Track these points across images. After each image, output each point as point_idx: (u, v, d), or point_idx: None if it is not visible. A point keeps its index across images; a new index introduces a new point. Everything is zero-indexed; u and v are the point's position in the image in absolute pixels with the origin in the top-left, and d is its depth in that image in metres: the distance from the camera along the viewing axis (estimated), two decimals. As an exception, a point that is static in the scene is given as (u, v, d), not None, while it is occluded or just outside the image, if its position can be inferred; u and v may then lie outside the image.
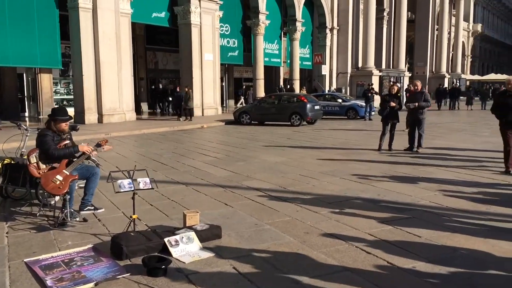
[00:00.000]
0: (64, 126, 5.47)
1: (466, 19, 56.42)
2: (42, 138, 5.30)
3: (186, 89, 20.13)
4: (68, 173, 5.10)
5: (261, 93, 26.48)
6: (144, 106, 26.95)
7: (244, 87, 32.21)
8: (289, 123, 18.51)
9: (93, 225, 5.12)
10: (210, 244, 4.46)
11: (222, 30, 24.72)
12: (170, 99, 24.22)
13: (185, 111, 19.99)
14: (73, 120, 4.89)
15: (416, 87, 10.88)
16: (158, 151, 11.33)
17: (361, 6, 33.69)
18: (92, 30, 17.68)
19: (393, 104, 10.72)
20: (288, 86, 31.69)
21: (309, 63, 32.50)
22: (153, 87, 27.63)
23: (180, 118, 20.11)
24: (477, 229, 4.85)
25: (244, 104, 27.20)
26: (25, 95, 22.40)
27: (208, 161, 9.78)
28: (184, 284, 3.59)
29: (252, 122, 19.49)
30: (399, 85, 11.47)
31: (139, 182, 4.71)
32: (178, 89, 20.82)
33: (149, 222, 5.14)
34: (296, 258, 4.13)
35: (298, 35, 29.54)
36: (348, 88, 32.59)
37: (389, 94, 11.22)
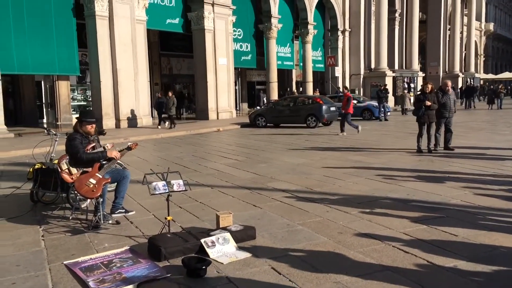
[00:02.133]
0: (90, 128, 5.49)
1: (478, 18, 55.91)
2: (72, 141, 5.35)
3: (170, 94, 18.87)
4: (101, 176, 5.15)
5: (274, 96, 26.53)
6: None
7: (256, 91, 32.31)
8: (305, 125, 18.48)
9: (126, 227, 5.15)
10: (245, 244, 4.47)
11: (235, 35, 24.84)
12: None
13: (169, 118, 18.53)
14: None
15: (447, 87, 10.60)
16: (178, 155, 11.39)
17: (373, 8, 33.58)
18: (108, 38, 17.90)
19: (428, 103, 10.20)
20: (301, 89, 31.76)
21: (322, 65, 32.47)
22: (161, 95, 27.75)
23: (159, 126, 18.70)
24: (513, 227, 4.79)
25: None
26: (44, 102, 22.71)
27: (229, 163, 9.80)
28: (226, 284, 3.59)
29: (268, 124, 19.50)
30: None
31: (173, 184, 4.74)
32: (159, 95, 19.44)
33: (181, 224, 5.16)
34: (333, 257, 4.11)
35: (310, 38, 29.55)
36: (361, 89, 32.44)
37: (423, 92, 10.66)
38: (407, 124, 18.41)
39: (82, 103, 23.00)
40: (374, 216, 5.36)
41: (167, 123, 18.73)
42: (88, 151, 5.33)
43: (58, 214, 5.77)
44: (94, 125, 5.58)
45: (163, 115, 19.32)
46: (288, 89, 31.19)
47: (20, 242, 4.76)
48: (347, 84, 32.79)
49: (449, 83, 10.78)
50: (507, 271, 3.70)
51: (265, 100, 29.56)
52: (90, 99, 20.93)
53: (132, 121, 18.72)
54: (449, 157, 9.75)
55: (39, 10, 16.73)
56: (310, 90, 29.01)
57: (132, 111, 18.80)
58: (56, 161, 5.93)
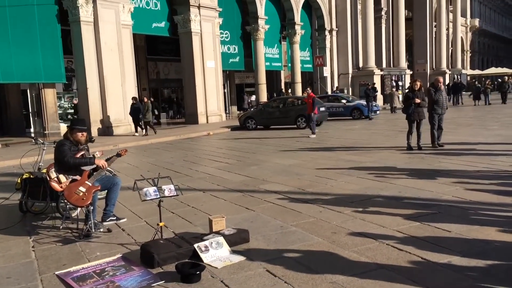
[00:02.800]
0: (81, 136, 5.44)
1: (464, 14, 56.56)
2: (60, 147, 5.30)
3: (145, 99, 18.24)
4: (91, 184, 5.08)
5: (263, 97, 26.52)
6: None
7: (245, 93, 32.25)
8: (295, 126, 18.50)
9: (118, 235, 5.09)
10: (239, 248, 4.43)
11: (222, 37, 24.81)
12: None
13: (145, 124, 17.90)
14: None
15: (439, 84, 10.56)
16: (168, 160, 11.31)
17: (359, 7, 33.77)
18: (94, 43, 17.74)
19: (418, 100, 10.24)
20: (290, 90, 31.82)
21: (310, 65, 32.55)
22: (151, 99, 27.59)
23: (136, 133, 18.00)
24: (505, 221, 4.81)
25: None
26: (30, 111, 22.42)
27: (220, 167, 9.75)
28: (221, 289, 3.55)
29: (258, 127, 19.49)
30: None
31: (164, 190, 4.69)
32: (134, 101, 17.90)
33: (173, 229, 5.10)
34: (328, 258, 4.10)
35: (297, 38, 29.61)
36: (350, 88, 32.59)
37: (412, 90, 10.66)
38: (397, 122, 18.52)
39: (70, 110, 22.77)
40: (367, 215, 5.36)
41: (145, 129, 17.91)
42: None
43: (48, 224, 5.68)
44: (85, 134, 5.52)
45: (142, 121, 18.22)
46: (283, 90, 31.19)
47: (10, 254, 4.67)
48: (336, 84, 32.97)
49: (441, 79, 10.81)
50: (502, 265, 3.71)
51: (250, 102, 29.58)
52: (75, 106, 20.68)
53: (121, 127, 18.54)
54: (439, 153, 9.80)
55: (22, 17, 16.51)
56: (299, 91, 29.06)
57: (120, 117, 18.61)
58: (44, 170, 5.85)
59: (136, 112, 17.65)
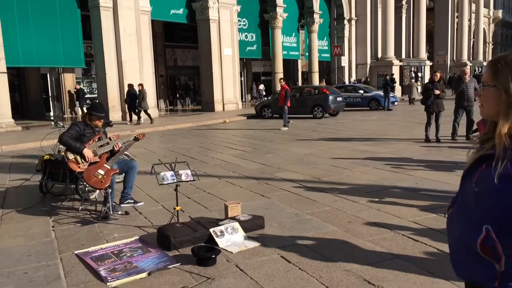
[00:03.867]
0: (98, 122, 5.54)
1: (486, 5, 55.13)
2: (71, 125, 5.49)
3: (140, 87, 16.74)
4: (109, 167, 5.16)
5: (280, 86, 26.35)
6: (164, 103, 27.14)
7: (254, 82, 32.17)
8: (312, 115, 18.41)
9: (136, 217, 5.17)
10: (254, 234, 4.47)
11: (240, 25, 24.70)
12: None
13: (139, 112, 16.85)
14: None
15: (465, 75, 10.29)
16: (185, 146, 11.40)
17: (379, -4, 33.23)
18: (113, 29, 17.85)
19: (437, 92, 10.08)
20: (306, 80, 31.60)
21: (328, 55, 32.25)
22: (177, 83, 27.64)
23: (130, 122, 17.19)
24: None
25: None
26: (50, 95, 22.76)
27: (236, 154, 9.79)
28: (236, 273, 3.60)
29: (274, 115, 19.43)
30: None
31: (181, 174, 4.74)
32: (130, 88, 16.87)
33: (189, 214, 5.15)
34: (343, 246, 4.10)
35: (316, 27, 29.31)
36: (368, 79, 32.22)
37: (432, 81, 10.52)
38: (415, 113, 18.28)
39: (88, 95, 23.05)
40: (383, 205, 5.34)
41: (138, 118, 16.93)
42: (93, 143, 5.37)
43: (67, 205, 5.80)
44: (102, 120, 5.60)
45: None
46: (298, 82, 31.03)
47: (31, 233, 4.79)
48: (353, 74, 32.62)
49: (467, 70, 10.56)
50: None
51: (258, 91, 29.65)
52: (96, 92, 20.92)
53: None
54: (458, 146, 9.67)
55: (43, 2, 16.71)
56: (316, 80, 28.86)
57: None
58: (63, 152, 5.95)
59: (132, 99, 16.83)
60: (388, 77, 24.20)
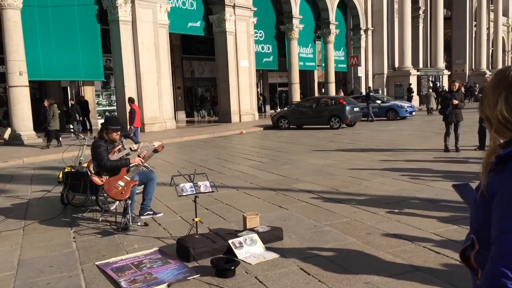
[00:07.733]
0: (115, 135, 5.57)
1: (505, 14, 54.37)
2: (96, 149, 5.42)
3: (46, 103, 14.76)
4: (129, 179, 5.23)
5: (296, 97, 26.44)
6: (181, 115, 27.39)
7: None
8: (328, 126, 18.36)
9: (155, 229, 5.22)
10: (273, 245, 4.46)
11: (256, 36, 24.89)
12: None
13: (49, 133, 14.55)
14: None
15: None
16: (202, 157, 11.47)
17: (396, 6, 33.09)
18: (132, 42, 18.18)
19: (455, 101, 9.97)
20: (323, 90, 31.60)
21: (344, 65, 32.20)
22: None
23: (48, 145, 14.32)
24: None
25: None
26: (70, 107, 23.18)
27: (253, 165, 9.81)
28: (255, 285, 3.59)
29: (291, 126, 19.45)
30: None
31: (200, 186, 4.77)
32: (46, 104, 14.88)
33: (208, 225, 5.17)
34: (363, 258, 4.06)
35: (332, 37, 29.34)
36: (385, 89, 32.02)
37: (450, 91, 10.41)
38: (433, 123, 18.07)
39: (107, 108, 23.43)
40: (402, 216, 5.28)
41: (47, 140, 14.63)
42: (115, 154, 5.41)
43: (88, 216, 5.88)
44: (119, 132, 5.66)
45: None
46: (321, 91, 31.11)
47: (52, 244, 4.87)
48: (370, 84, 32.48)
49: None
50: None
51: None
52: (115, 104, 21.22)
53: (156, 125, 18.93)
54: (478, 156, 9.51)
55: (64, 17, 17.11)
56: (332, 91, 28.82)
57: (156, 115, 19.01)
58: (85, 165, 6.06)
59: (44, 118, 14.67)
60: (371, 89, 24.22)
